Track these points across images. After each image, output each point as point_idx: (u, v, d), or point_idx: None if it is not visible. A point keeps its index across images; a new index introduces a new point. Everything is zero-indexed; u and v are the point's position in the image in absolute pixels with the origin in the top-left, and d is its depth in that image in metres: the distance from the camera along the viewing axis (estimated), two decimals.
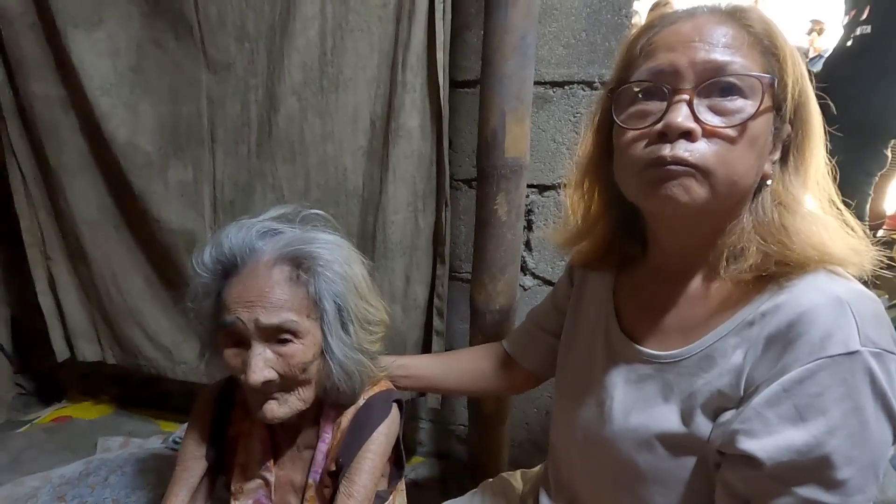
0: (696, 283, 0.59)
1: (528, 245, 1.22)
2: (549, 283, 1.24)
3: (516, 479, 0.93)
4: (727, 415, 0.52)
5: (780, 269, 0.51)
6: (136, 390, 1.66)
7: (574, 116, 1.12)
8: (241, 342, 0.67)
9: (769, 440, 0.48)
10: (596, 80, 1.09)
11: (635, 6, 1.11)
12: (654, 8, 2.86)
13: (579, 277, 0.76)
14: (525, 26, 0.91)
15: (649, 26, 0.56)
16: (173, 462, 0.82)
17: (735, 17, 0.52)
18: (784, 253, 0.51)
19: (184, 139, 1.23)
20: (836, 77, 1.97)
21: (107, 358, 1.46)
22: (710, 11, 0.53)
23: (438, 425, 1.45)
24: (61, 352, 1.47)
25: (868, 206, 2.10)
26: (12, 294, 1.61)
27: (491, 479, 0.94)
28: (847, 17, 2.02)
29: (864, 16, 1.90)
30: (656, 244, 0.63)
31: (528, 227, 1.20)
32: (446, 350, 1.27)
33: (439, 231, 1.17)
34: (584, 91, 1.11)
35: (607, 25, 1.07)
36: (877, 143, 1.96)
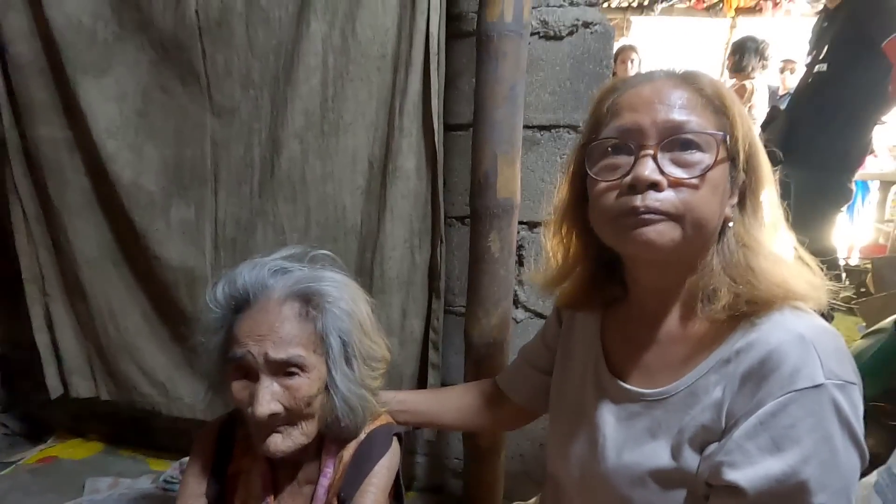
0: (675, 322, 0.63)
1: (519, 279, 1.27)
2: (540, 315, 1.28)
3: None
4: (711, 447, 0.56)
5: (750, 307, 0.56)
6: (125, 429, 1.63)
7: (560, 157, 1.19)
8: (249, 375, 0.70)
9: (750, 470, 0.51)
10: (580, 125, 1.17)
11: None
12: (619, 53, 3.03)
13: (567, 317, 0.80)
14: (514, 77, 0.98)
15: (612, 89, 0.62)
16: (164, 502, 0.82)
17: (688, 81, 0.59)
18: (752, 293, 0.55)
19: (187, 179, 1.27)
20: (798, 114, 2.10)
21: (101, 394, 1.45)
22: (666, 76, 0.60)
23: (433, 459, 1.45)
24: (55, 388, 1.45)
25: (833, 238, 2.18)
26: (1, 332, 1.60)
27: None
28: (809, 57, 2.16)
29: (822, 55, 2.04)
30: (635, 285, 0.67)
31: (520, 261, 1.24)
32: (442, 383, 1.30)
33: (434, 267, 1.21)
34: (570, 134, 1.18)
35: (590, 75, 1.15)
36: (840, 176, 2.06)
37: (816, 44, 2.13)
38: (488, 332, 1.08)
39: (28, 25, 1.23)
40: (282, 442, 0.71)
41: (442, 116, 1.15)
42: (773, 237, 0.60)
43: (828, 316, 0.59)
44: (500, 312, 1.08)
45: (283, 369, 0.69)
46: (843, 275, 2.70)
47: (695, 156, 0.55)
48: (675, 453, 0.58)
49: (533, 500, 0.93)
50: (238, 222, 1.28)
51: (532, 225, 1.23)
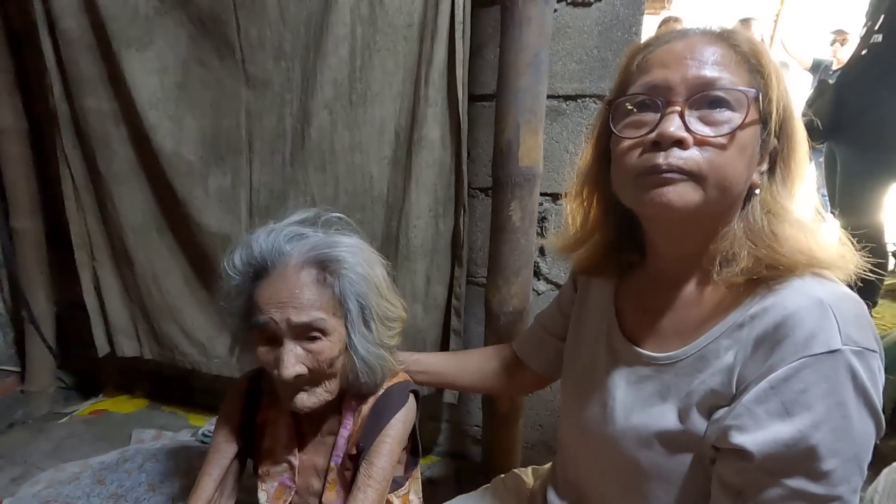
0: (691, 287, 0.62)
1: (541, 251, 1.27)
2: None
3: (527, 475, 0.96)
4: (720, 412, 0.55)
5: (769, 272, 0.54)
6: (168, 387, 1.75)
7: (586, 128, 1.17)
8: (273, 340, 0.73)
9: (759, 434, 0.51)
10: (607, 95, 1.14)
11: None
12: (662, 24, 2.91)
13: (583, 284, 0.80)
14: (538, 44, 0.98)
15: (646, 45, 0.60)
16: (202, 452, 0.88)
17: (724, 37, 0.56)
18: (774, 257, 0.54)
19: (224, 149, 1.32)
20: (850, 87, 1.97)
21: (144, 353, 1.55)
22: (701, 33, 0.58)
23: (454, 426, 1.49)
24: (102, 347, 1.56)
25: (881, 220, 2.05)
26: (57, 294, 1.72)
27: (503, 475, 0.97)
28: (864, 29, 2.03)
29: (878, 25, 1.90)
30: (653, 251, 0.67)
31: (542, 233, 1.24)
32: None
33: (457, 235, 1.23)
34: (596, 104, 1.16)
35: (618, 42, 1.12)
36: (892, 154, 1.94)
37: (873, 14, 1.99)
38: (508, 300, 1.09)
39: (76, 1, 1.29)
40: (307, 399, 0.76)
41: (467, 86, 1.16)
42: (803, 207, 0.57)
43: (859, 290, 0.56)
44: (520, 282, 1.09)
45: (306, 333, 0.72)
46: (893, 260, 2.54)
47: (724, 114, 0.53)
48: (683, 416, 0.58)
49: (548, 464, 0.95)
50: (271, 191, 1.32)
51: (555, 196, 1.22)
